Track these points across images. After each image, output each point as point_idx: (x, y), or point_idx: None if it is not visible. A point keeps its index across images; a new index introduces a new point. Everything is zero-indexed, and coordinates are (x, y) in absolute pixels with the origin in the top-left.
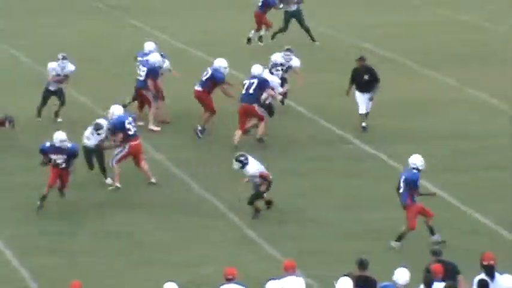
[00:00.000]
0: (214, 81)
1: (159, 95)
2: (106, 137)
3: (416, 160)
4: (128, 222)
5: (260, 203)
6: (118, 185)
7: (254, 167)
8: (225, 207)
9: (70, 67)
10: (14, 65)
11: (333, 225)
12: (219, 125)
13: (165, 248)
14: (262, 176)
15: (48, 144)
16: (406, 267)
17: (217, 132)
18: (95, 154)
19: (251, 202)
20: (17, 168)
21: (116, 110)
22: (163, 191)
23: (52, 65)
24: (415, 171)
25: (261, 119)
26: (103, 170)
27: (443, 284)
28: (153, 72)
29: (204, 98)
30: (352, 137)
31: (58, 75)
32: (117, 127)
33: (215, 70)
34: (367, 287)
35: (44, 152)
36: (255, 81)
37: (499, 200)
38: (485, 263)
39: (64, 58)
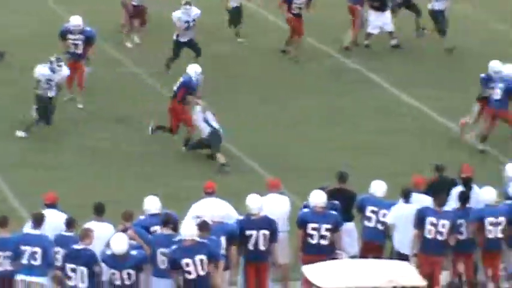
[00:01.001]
0: None
1: None
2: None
3: None
4: (104, 138)
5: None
6: None
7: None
8: None
9: (195, 11)
10: None
11: (316, 141)
12: None
13: (144, 161)
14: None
15: None
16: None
17: None
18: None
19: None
20: None
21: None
22: (142, 105)
23: (177, 14)
24: None
25: None
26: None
27: (424, 196)
28: None
29: None
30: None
31: (187, 22)
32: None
33: None
34: (344, 200)
35: None
36: None
37: None
38: (463, 175)
39: (187, 3)
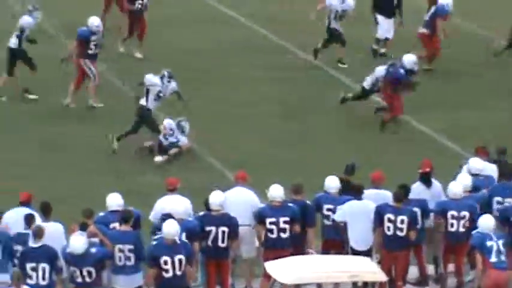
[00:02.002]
0: None
1: None
2: None
3: None
4: (64, 133)
5: None
6: None
7: None
8: None
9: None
10: None
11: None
12: None
13: (106, 156)
14: None
15: None
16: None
17: None
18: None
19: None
20: None
21: None
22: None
23: None
24: None
25: None
26: None
27: (384, 192)
28: None
29: None
30: None
31: None
32: None
33: None
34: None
35: None
36: None
37: None
38: (421, 170)
39: None
